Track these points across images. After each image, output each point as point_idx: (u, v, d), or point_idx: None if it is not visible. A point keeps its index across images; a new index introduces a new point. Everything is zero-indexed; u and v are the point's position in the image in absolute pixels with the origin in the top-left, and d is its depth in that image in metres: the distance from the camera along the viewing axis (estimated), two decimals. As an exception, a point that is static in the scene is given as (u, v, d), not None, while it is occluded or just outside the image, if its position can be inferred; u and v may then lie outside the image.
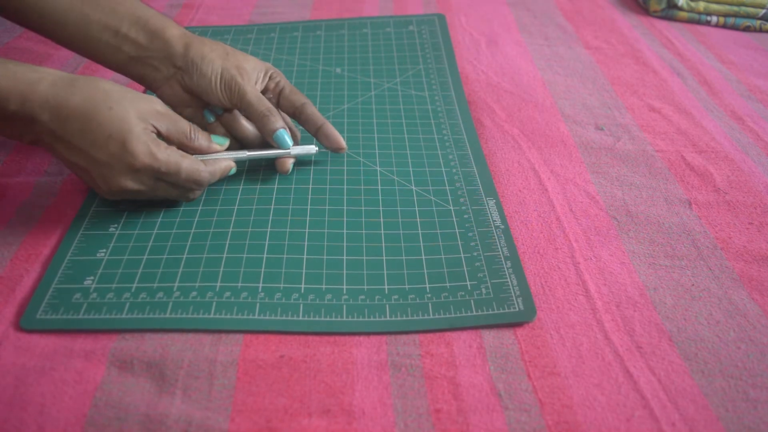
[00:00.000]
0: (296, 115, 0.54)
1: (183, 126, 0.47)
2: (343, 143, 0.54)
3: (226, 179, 0.53)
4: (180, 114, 0.49)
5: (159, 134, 0.45)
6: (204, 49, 0.50)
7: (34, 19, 0.49)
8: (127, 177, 0.44)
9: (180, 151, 0.46)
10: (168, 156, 0.44)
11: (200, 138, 0.48)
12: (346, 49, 0.74)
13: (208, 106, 0.52)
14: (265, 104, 0.51)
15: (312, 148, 0.53)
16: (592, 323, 0.42)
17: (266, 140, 0.52)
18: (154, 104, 0.46)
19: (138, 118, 0.44)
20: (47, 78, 0.42)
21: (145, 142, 0.43)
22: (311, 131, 0.54)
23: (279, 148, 0.52)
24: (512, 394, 0.38)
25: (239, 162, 0.52)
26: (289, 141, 0.52)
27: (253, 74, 0.51)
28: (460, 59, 0.74)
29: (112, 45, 0.50)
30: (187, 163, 0.46)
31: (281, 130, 0.51)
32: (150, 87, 0.52)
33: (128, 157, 0.43)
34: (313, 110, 0.54)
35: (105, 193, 0.46)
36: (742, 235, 0.50)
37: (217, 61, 0.50)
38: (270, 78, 0.53)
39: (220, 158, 0.49)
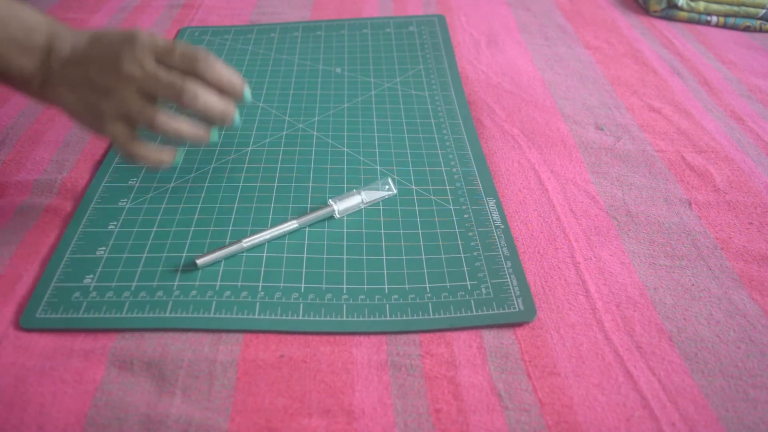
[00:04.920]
0: None
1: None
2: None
3: (227, 174, 0.53)
4: None
5: None
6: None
7: None
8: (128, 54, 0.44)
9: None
10: (165, 40, 0.45)
11: None
12: (346, 49, 0.74)
13: None
14: None
15: None
16: (592, 323, 0.42)
17: None
18: None
19: None
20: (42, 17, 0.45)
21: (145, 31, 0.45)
22: None
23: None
24: (512, 394, 0.38)
25: None
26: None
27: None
28: (460, 59, 0.74)
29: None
30: (182, 45, 0.45)
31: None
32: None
33: (137, 31, 0.44)
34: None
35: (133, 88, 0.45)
36: (742, 235, 0.50)
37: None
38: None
39: None
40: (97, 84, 0.44)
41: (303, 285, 0.44)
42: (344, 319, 0.42)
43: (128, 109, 0.44)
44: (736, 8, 0.84)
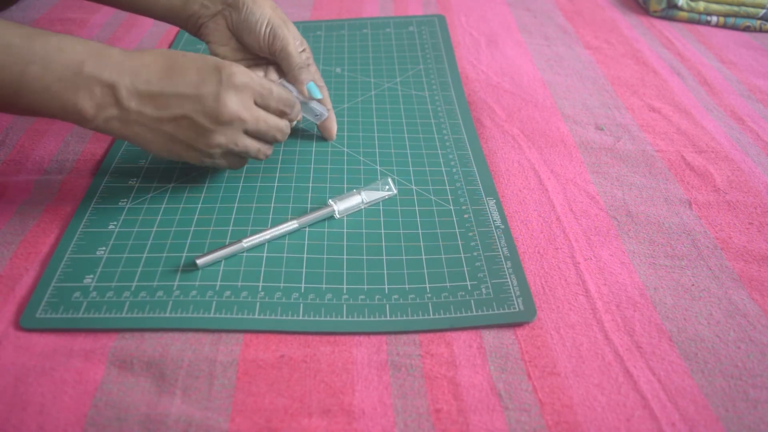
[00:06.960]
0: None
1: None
2: (334, 135, 0.58)
3: (227, 174, 0.53)
4: (215, 53, 0.53)
5: None
6: None
7: None
8: (232, 97, 0.43)
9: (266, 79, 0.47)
10: (261, 79, 0.45)
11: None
12: (346, 49, 0.74)
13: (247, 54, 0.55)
14: (303, 57, 0.54)
15: (324, 113, 0.56)
16: (592, 323, 0.42)
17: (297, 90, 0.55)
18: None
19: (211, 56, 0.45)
20: (114, 48, 0.43)
21: (235, 63, 0.44)
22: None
23: (309, 98, 0.54)
24: (512, 394, 0.38)
25: None
26: (318, 93, 0.55)
27: (296, 34, 0.54)
28: (460, 59, 0.74)
29: None
30: (277, 88, 0.47)
31: (312, 82, 0.54)
32: (194, 25, 0.54)
33: (228, 75, 0.43)
34: (328, 97, 0.57)
35: (204, 144, 0.45)
36: (742, 235, 0.50)
37: (267, 9, 0.53)
38: (305, 50, 0.55)
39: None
40: (189, 123, 0.44)
41: (303, 285, 0.44)
42: (344, 319, 0.42)
43: (242, 150, 0.47)
44: (736, 8, 0.84)
